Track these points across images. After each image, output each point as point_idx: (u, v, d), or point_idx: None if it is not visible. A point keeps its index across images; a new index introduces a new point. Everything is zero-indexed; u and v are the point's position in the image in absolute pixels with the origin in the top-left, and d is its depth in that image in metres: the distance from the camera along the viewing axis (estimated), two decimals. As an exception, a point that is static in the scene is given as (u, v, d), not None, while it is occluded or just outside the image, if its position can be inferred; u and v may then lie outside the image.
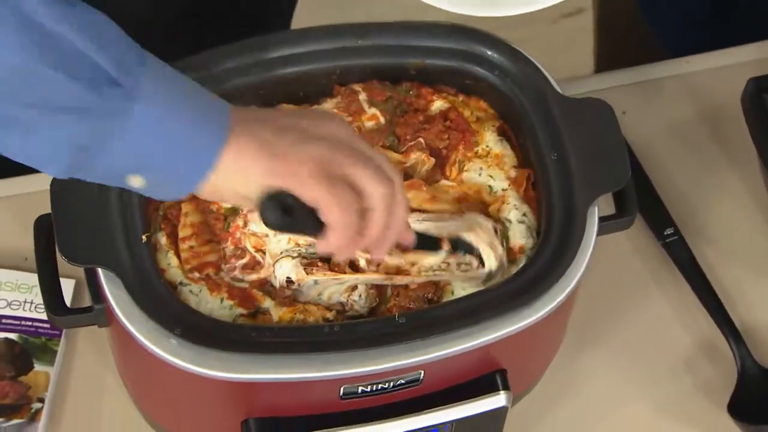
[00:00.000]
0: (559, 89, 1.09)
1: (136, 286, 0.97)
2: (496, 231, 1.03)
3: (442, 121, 1.09)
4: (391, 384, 1.00)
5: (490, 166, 1.08)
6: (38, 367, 1.15)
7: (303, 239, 1.02)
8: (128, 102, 0.84)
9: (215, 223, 1.03)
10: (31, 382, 1.14)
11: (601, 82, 1.36)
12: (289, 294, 1.01)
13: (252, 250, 1.02)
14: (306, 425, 1.02)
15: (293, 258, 1.01)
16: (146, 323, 0.96)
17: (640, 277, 1.25)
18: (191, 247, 1.02)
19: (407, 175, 1.06)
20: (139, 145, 0.85)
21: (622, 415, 1.18)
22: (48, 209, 1.00)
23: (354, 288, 1.01)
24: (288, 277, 1.01)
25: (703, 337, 1.22)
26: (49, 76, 0.82)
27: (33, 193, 1.18)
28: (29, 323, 1.17)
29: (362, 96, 1.08)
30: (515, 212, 1.05)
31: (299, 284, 1.01)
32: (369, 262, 1.01)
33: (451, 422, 1.04)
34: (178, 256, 1.02)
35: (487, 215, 1.05)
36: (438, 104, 1.10)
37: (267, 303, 1.01)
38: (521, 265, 1.02)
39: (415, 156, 1.07)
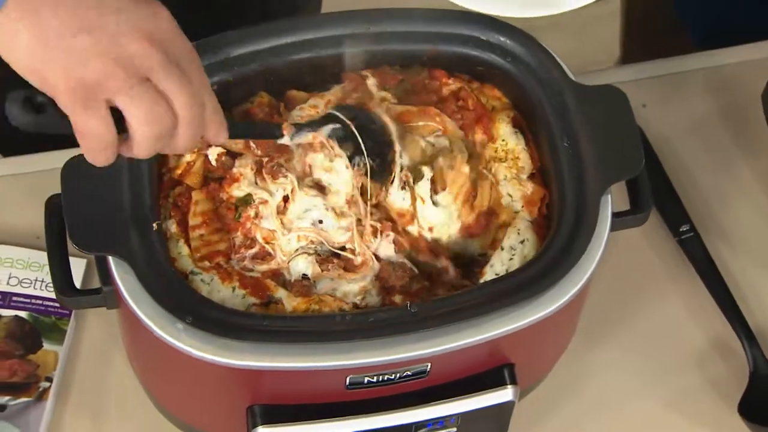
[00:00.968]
0: (572, 76, 1.08)
1: (147, 275, 0.96)
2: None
3: (454, 101, 1.08)
4: (398, 375, 1.00)
5: (510, 180, 1.07)
6: (47, 346, 1.15)
7: (316, 237, 1.01)
8: None
9: (226, 213, 1.03)
10: (39, 361, 1.14)
11: (622, 74, 1.34)
12: (307, 289, 1.01)
13: (262, 241, 1.01)
14: (311, 414, 1.02)
15: (309, 255, 1.01)
16: (155, 308, 0.96)
17: (654, 272, 1.24)
18: (201, 236, 1.02)
19: None
20: None
21: (631, 412, 1.17)
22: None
23: (368, 289, 1.01)
24: (304, 274, 1.01)
25: (715, 336, 1.21)
26: None
27: (47, 170, 1.18)
28: (39, 302, 1.17)
29: (370, 81, 1.08)
30: (515, 237, 1.04)
31: (315, 281, 1.01)
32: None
33: (457, 415, 1.03)
34: (189, 245, 1.02)
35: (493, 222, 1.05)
36: (452, 86, 1.09)
37: (280, 293, 1.00)
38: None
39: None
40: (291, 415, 1.02)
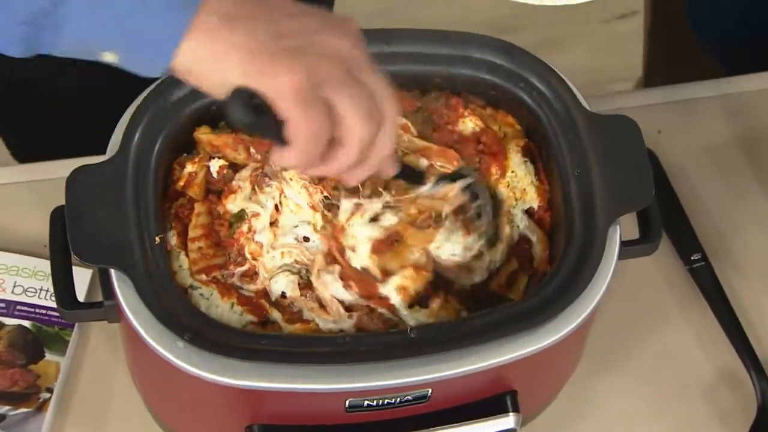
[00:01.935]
0: (586, 104, 1.07)
1: (147, 289, 0.96)
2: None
3: (475, 144, 1.07)
4: (398, 399, 0.99)
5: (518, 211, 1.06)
6: (49, 356, 1.15)
7: (300, 256, 1.00)
8: None
9: (220, 228, 1.02)
10: (41, 372, 1.14)
11: (637, 99, 1.33)
12: (292, 308, 1.00)
13: (250, 257, 1.01)
14: (311, 435, 1.01)
15: (292, 274, 1.00)
16: (155, 325, 0.96)
17: (663, 300, 1.22)
18: (200, 248, 1.01)
19: None
20: (89, 21, 0.85)
21: (635, 442, 1.16)
22: (69, 198, 0.99)
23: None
24: (283, 292, 1.00)
25: (724, 367, 1.19)
26: None
27: (57, 179, 1.17)
28: (43, 311, 1.17)
29: None
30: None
31: (293, 302, 1.00)
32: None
33: (458, 441, 1.03)
34: (189, 257, 1.01)
35: None
36: (470, 124, 1.08)
37: (275, 315, 1.00)
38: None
39: None
40: (290, 435, 1.01)
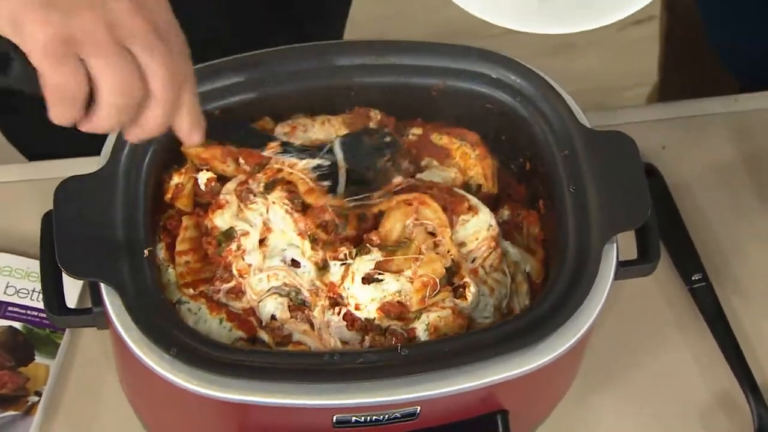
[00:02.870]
0: (585, 120, 1.05)
1: (135, 303, 0.95)
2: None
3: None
4: (386, 416, 0.98)
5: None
6: (39, 359, 1.14)
7: (288, 279, 0.99)
8: None
9: (208, 246, 1.01)
10: (30, 374, 1.13)
11: (641, 114, 1.31)
12: (282, 332, 0.99)
13: (237, 274, 0.99)
14: (296, 449, 1.00)
15: (281, 296, 0.99)
16: (141, 336, 0.95)
17: (662, 320, 1.21)
18: (187, 263, 1.00)
19: None
20: None
21: (628, 463, 1.15)
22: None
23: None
24: (273, 315, 0.99)
25: (721, 391, 1.17)
26: None
27: (54, 179, 1.16)
28: (35, 313, 1.16)
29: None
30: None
31: (283, 324, 0.99)
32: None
33: (446, 460, 1.01)
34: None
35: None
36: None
37: (263, 335, 0.99)
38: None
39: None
40: (277, 449, 1.00)
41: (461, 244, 1.02)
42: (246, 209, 1.01)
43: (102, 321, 0.99)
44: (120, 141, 1.00)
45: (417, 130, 1.08)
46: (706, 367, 1.18)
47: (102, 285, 0.97)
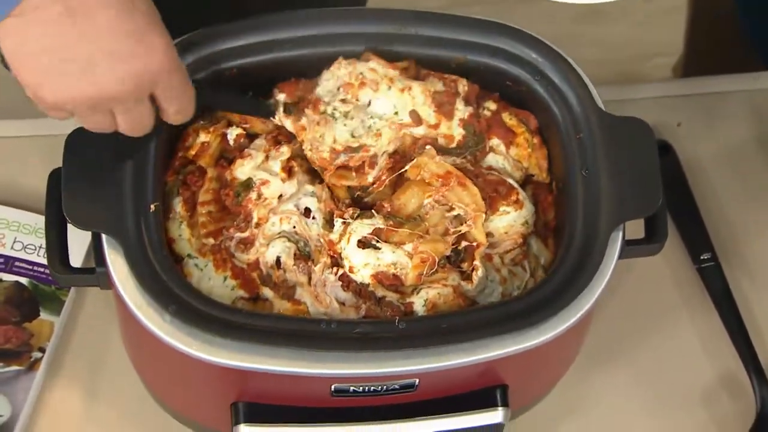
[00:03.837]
0: (601, 103, 1.04)
1: (137, 256, 0.95)
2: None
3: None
4: (384, 387, 0.98)
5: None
6: (44, 315, 1.14)
7: (299, 226, 0.99)
8: None
9: (225, 198, 1.01)
10: (35, 330, 1.13)
11: (659, 90, 1.30)
12: (282, 282, 0.99)
13: (256, 221, 1.00)
14: (295, 416, 1.00)
15: (290, 241, 0.99)
16: (142, 296, 0.95)
17: (669, 299, 1.20)
18: (209, 212, 1.01)
19: None
20: None
21: (628, 441, 1.14)
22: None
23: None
24: (278, 257, 0.99)
25: (726, 371, 1.17)
26: None
27: (63, 135, 1.16)
28: (41, 269, 1.16)
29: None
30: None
31: (285, 271, 0.98)
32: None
33: (444, 432, 1.01)
34: (190, 228, 1.01)
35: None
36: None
37: (266, 292, 0.99)
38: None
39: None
40: (275, 415, 1.01)
41: (488, 234, 1.01)
42: (270, 160, 1.01)
43: (105, 280, 0.99)
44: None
45: (492, 105, 1.07)
46: (711, 347, 1.18)
47: (105, 245, 0.97)
